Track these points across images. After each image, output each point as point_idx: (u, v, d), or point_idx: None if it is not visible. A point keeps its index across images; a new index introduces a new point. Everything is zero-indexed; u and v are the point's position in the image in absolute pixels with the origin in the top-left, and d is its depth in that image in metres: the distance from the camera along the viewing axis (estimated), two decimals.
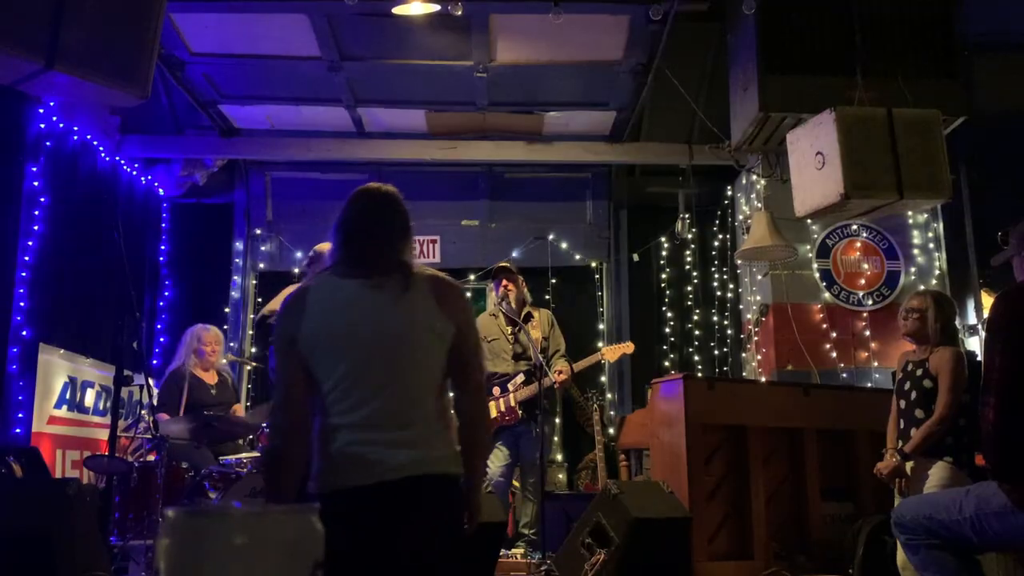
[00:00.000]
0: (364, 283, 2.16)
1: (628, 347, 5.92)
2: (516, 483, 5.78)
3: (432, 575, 2.08)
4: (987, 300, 6.63)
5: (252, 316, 7.48)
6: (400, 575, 2.05)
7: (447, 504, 2.14)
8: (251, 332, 7.46)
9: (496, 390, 5.40)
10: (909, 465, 3.87)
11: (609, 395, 7.41)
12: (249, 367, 7.14)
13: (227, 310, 7.46)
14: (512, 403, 5.34)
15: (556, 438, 7.33)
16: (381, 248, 2.21)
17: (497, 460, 5.36)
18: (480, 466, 2.38)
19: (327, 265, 2.28)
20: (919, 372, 3.92)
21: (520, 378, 5.39)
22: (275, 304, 4.25)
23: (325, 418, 2.12)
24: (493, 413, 5.33)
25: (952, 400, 3.74)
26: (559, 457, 7.23)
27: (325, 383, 2.12)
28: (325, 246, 4.46)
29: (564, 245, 7.64)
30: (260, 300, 7.53)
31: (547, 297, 7.34)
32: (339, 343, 2.12)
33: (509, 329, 5.54)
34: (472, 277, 7.33)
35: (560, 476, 7.08)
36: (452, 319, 2.19)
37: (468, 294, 7.37)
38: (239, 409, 5.75)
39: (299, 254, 7.20)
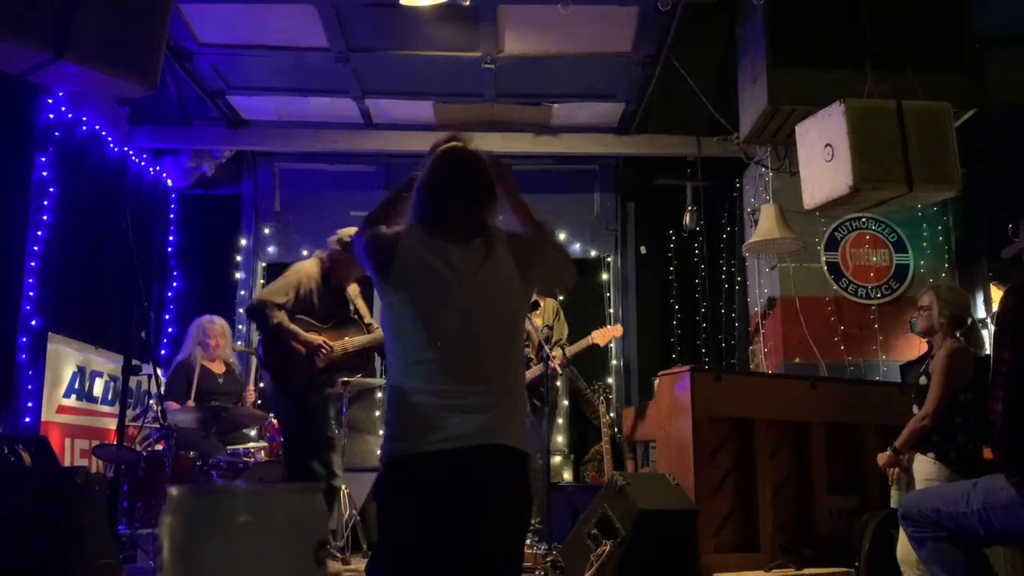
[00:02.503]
0: (457, 248, 2.18)
1: (617, 330, 5.98)
2: None
3: (507, 540, 2.10)
4: (996, 293, 6.59)
5: None
6: (477, 540, 2.04)
7: (515, 477, 2.13)
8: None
9: None
10: (905, 458, 3.89)
11: (615, 387, 7.41)
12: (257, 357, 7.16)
13: (235, 300, 7.49)
14: None
15: (561, 436, 7.34)
16: (471, 213, 2.25)
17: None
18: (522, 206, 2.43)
19: (412, 219, 2.27)
20: (923, 368, 3.94)
21: None
22: (270, 292, 4.23)
23: (408, 380, 2.13)
24: None
25: (939, 398, 3.72)
26: (564, 448, 7.24)
27: (411, 339, 2.13)
28: (350, 231, 4.45)
29: (572, 237, 7.63)
30: None
31: (555, 289, 7.33)
32: (433, 305, 2.14)
33: None
34: None
35: (565, 469, 7.09)
36: (524, 271, 2.23)
37: None
38: (250, 394, 5.76)
39: (304, 252, 7.18)
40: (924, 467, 3.74)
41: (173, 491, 0.75)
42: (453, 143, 2.35)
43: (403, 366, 2.15)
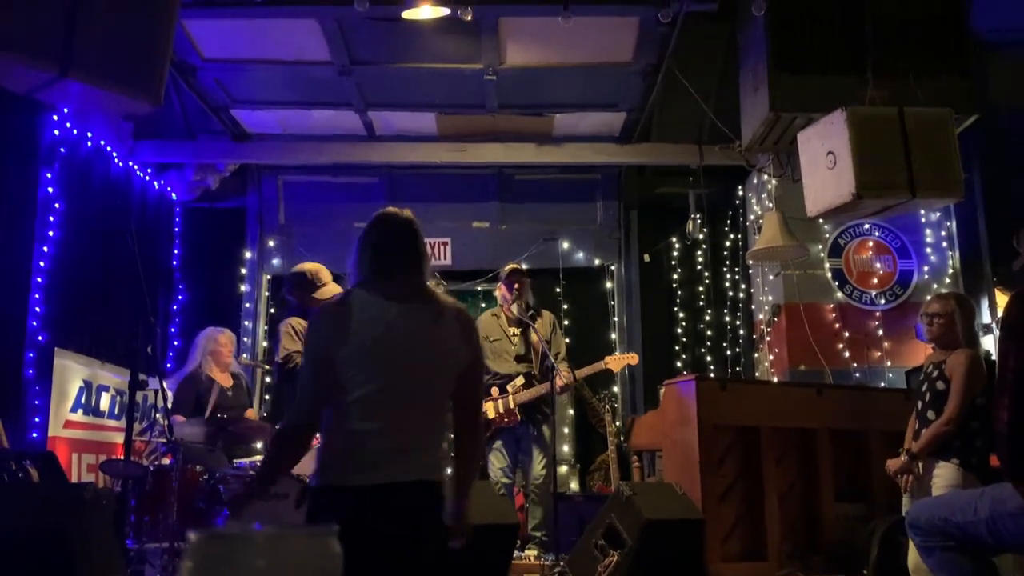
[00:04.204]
0: (404, 308, 2.33)
1: (632, 358, 5.92)
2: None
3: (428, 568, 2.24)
4: (1001, 299, 6.59)
5: (265, 327, 7.52)
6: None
7: (441, 509, 2.31)
8: (264, 331, 7.50)
9: (495, 390, 5.41)
10: (918, 465, 3.86)
11: (621, 396, 7.41)
12: (263, 370, 7.17)
13: (240, 313, 7.50)
14: (511, 405, 5.35)
15: (567, 445, 7.33)
16: (413, 275, 2.41)
17: (498, 462, 5.37)
18: (472, 477, 2.55)
19: (353, 281, 2.42)
20: (935, 374, 3.90)
21: (520, 380, 5.39)
22: (293, 344, 4.38)
23: (345, 421, 2.26)
24: (492, 414, 5.34)
25: (961, 403, 3.72)
26: (570, 457, 7.24)
27: (353, 393, 2.26)
28: (310, 266, 4.54)
29: (575, 246, 7.64)
30: (272, 304, 7.57)
31: (558, 299, 7.35)
32: (377, 363, 2.27)
33: (512, 330, 5.55)
34: (482, 280, 7.34)
35: (571, 478, 7.08)
36: (470, 350, 2.41)
37: (480, 295, 7.39)
38: (251, 413, 5.77)
39: (308, 266, 7.19)
40: (947, 473, 3.72)
41: (193, 536, 0.76)
42: (390, 209, 2.52)
43: (345, 408, 2.28)
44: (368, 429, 2.25)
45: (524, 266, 6.02)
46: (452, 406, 2.42)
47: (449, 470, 2.43)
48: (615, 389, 7.32)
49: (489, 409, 5.35)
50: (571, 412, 7.36)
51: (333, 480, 2.25)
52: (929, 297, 4.33)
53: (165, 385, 4.81)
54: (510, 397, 5.37)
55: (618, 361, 5.82)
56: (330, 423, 2.31)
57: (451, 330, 2.37)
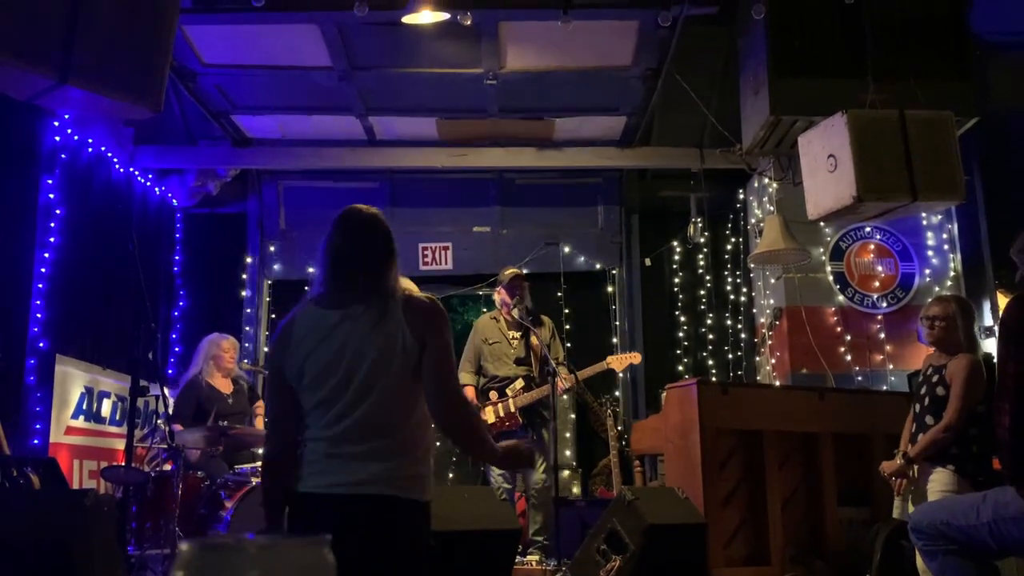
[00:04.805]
0: (345, 313, 2.27)
1: (635, 357, 5.92)
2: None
3: None
4: (1003, 301, 6.58)
5: (267, 332, 7.51)
6: None
7: (395, 527, 2.20)
8: (265, 336, 7.49)
9: (494, 394, 5.40)
10: (914, 469, 3.85)
11: (623, 400, 7.40)
12: (263, 375, 7.16)
13: (241, 318, 7.50)
14: (512, 408, 5.35)
15: (569, 450, 7.32)
16: (364, 276, 2.31)
17: (497, 468, 5.36)
18: (485, 452, 2.44)
19: (313, 292, 2.39)
20: (935, 378, 3.89)
21: (519, 383, 5.39)
22: None
23: (307, 431, 2.29)
24: (492, 419, 5.34)
25: (960, 408, 3.70)
26: (572, 462, 7.23)
27: (307, 404, 2.29)
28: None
29: (575, 250, 7.64)
30: (273, 309, 7.57)
31: (559, 303, 7.34)
32: (320, 373, 2.25)
33: (512, 334, 5.55)
34: (483, 285, 7.33)
35: (573, 483, 7.07)
36: (416, 335, 2.26)
37: (481, 300, 7.38)
38: (260, 407, 5.76)
39: (310, 269, 7.21)
40: (943, 478, 3.71)
41: (183, 546, 0.75)
42: (351, 208, 2.44)
43: (305, 419, 2.30)
44: (326, 435, 2.24)
45: (524, 271, 6.01)
46: (426, 402, 2.31)
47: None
48: (617, 393, 7.31)
49: (489, 414, 5.35)
50: (573, 416, 7.35)
51: (297, 485, 2.25)
52: (929, 300, 4.32)
53: (166, 391, 4.81)
54: (510, 401, 5.36)
55: (621, 360, 5.81)
56: (302, 434, 2.33)
57: (393, 323, 2.26)
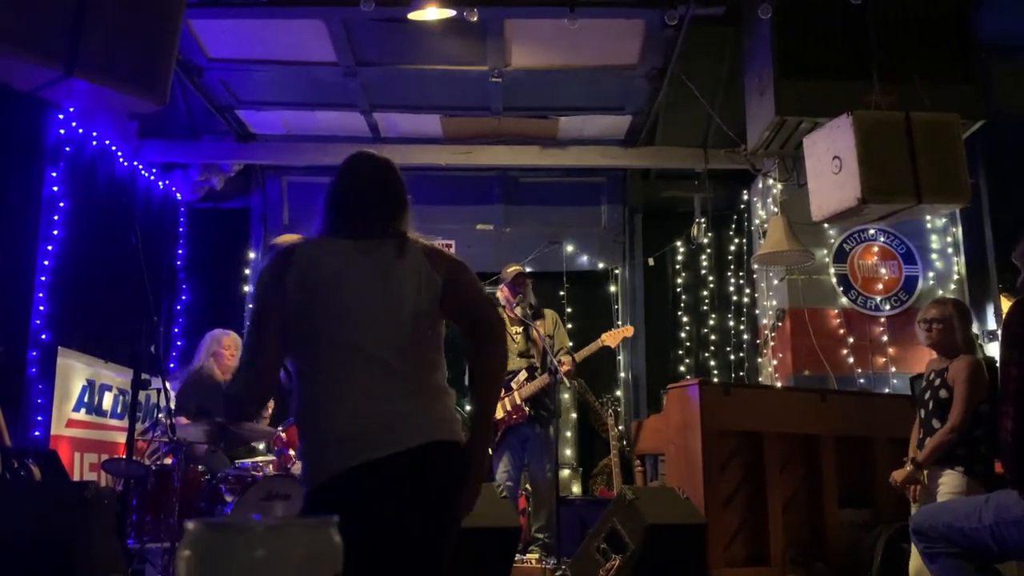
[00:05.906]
0: (356, 246, 2.05)
1: (628, 330, 5.93)
2: (529, 487, 5.79)
3: (445, 543, 2.01)
4: (1006, 305, 6.57)
5: None
6: (420, 547, 1.98)
7: (459, 470, 2.04)
8: None
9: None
10: (924, 474, 3.84)
11: (624, 400, 7.39)
12: None
13: (243, 313, 7.50)
14: (518, 400, 5.35)
15: (569, 449, 7.32)
16: (377, 216, 2.12)
17: (503, 465, 5.36)
18: (490, 424, 2.22)
19: (318, 230, 2.16)
20: (937, 382, 3.88)
21: (523, 375, 5.41)
22: None
23: (318, 392, 1.99)
24: (500, 413, 5.34)
25: (965, 410, 3.70)
26: (573, 461, 7.22)
27: (317, 355, 2.00)
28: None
29: (579, 250, 7.63)
30: None
31: (562, 302, 7.33)
32: (334, 312, 2.00)
33: (514, 329, 5.56)
34: (486, 283, 7.32)
35: (574, 482, 7.07)
36: (439, 271, 2.08)
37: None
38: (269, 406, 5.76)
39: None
40: (952, 480, 3.70)
41: (190, 525, 0.75)
42: (363, 150, 2.27)
43: (312, 375, 2.02)
44: (351, 394, 1.96)
45: (527, 268, 6.01)
46: (461, 332, 2.11)
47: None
48: (618, 393, 7.31)
49: (497, 409, 5.35)
50: (574, 415, 7.35)
51: (335, 464, 1.94)
52: (926, 303, 4.31)
53: (168, 385, 4.81)
54: (515, 393, 5.37)
55: (614, 336, 5.80)
56: (304, 399, 2.02)
57: (419, 264, 2.06)
